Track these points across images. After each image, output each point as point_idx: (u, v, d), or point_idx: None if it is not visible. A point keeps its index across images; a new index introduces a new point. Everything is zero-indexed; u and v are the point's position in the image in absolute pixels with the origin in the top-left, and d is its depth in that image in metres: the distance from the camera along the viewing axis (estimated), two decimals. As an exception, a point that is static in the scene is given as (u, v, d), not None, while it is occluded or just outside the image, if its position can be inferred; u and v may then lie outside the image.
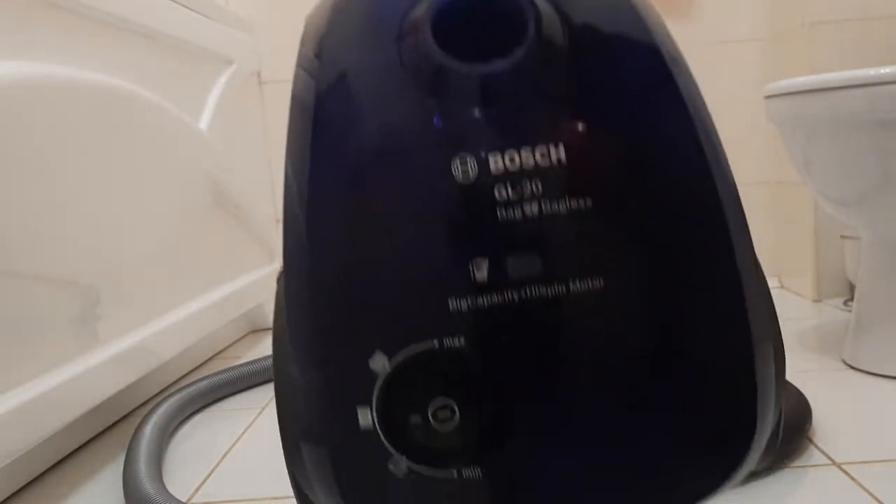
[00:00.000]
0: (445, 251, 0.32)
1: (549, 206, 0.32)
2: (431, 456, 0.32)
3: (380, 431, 0.32)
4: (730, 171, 0.33)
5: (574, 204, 0.32)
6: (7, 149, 0.73)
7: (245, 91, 1.48)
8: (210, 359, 1.32)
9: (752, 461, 0.34)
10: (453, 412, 0.32)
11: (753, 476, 0.71)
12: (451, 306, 0.32)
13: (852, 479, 0.71)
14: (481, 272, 0.32)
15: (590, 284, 0.32)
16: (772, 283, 1.60)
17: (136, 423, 0.90)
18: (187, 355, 1.20)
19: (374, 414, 0.32)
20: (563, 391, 0.33)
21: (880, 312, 1.02)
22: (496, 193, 0.32)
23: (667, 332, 0.32)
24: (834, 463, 0.74)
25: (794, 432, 0.77)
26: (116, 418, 1.02)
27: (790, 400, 0.83)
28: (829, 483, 0.70)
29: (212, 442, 0.92)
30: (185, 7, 1.20)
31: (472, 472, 0.33)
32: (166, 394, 1.00)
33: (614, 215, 0.32)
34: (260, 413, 1.02)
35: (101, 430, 0.98)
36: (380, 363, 0.32)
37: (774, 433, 0.35)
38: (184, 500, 0.70)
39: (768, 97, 1.05)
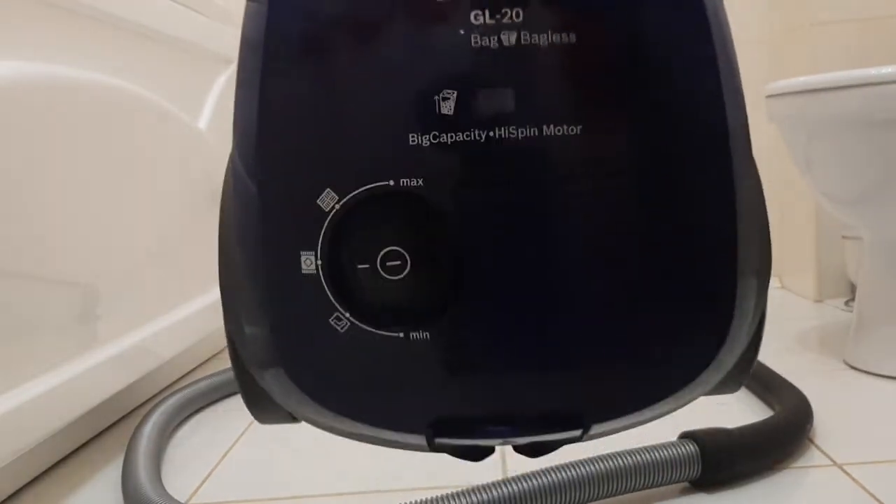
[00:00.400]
0: (411, 79, 0.28)
1: (528, 38, 0.28)
2: (376, 310, 0.29)
3: (323, 278, 0.29)
4: (735, 59, 0.30)
5: (556, 39, 0.28)
6: (6, 149, 0.73)
7: (245, 91, 1.48)
8: (210, 359, 1.32)
9: (727, 360, 0.30)
10: (405, 262, 0.29)
11: (750, 477, 0.71)
12: (411, 142, 0.28)
13: (853, 479, 0.70)
14: (448, 105, 0.28)
15: (565, 131, 0.28)
16: (773, 283, 1.60)
17: (136, 423, 0.90)
18: (187, 355, 1.20)
19: (319, 258, 0.29)
20: (525, 251, 0.29)
21: (882, 313, 1.01)
22: (472, 17, 0.28)
23: (643, 198, 0.29)
24: (835, 464, 0.74)
25: (795, 433, 0.77)
26: (116, 418, 1.02)
27: (791, 400, 0.83)
28: (829, 484, 0.70)
29: (211, 442, 0.92)
30: (185, 6, 1.20)
31: (419, 335, 0.29)
32: (166, 394, 1.00)
33: (601, 60, 0.29)
34: (260, 413, 1.01)
35: (101, 430, 0.98)
36: (329, 201, 0.29)
37: (753, 343, 0.31)
38: (182, 501, 0.69)
39: (769, 97, 1.05)
